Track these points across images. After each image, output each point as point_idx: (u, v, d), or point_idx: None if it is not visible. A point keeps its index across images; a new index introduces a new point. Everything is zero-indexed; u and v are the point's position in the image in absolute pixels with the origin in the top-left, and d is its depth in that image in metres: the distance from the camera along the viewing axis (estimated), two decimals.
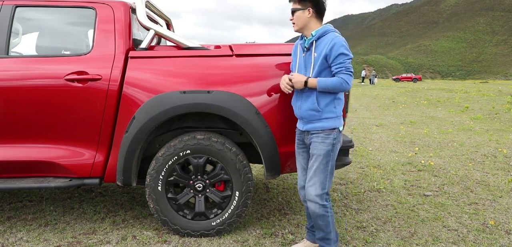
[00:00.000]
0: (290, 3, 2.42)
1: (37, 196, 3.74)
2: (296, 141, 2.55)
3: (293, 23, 2.41)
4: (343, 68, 2.25)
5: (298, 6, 2.36)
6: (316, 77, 2.33)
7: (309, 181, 2.37)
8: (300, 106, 2.42)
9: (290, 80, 2.41)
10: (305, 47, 2.41)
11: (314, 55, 2.35)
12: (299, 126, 2.48)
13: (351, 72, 2.28)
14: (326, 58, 2.29)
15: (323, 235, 2.43)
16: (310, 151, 2.41)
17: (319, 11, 2.38)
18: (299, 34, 2.49)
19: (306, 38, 2.41)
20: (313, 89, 2.33)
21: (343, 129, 2.43)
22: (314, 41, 2.35)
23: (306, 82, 2.33)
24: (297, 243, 2.78)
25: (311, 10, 2.34)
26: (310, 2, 2.34)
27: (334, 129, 2.35)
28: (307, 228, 2.69)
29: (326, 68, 2.32)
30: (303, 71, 2.41)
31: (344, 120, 2.45)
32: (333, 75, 2.30)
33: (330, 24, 2.40)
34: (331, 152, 2.35)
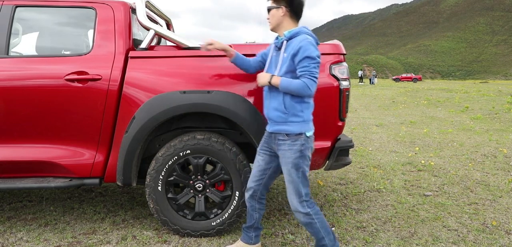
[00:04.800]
0: (267, 1, 2.38)
1: (37, 196, 3.75)
2: (262, 141, 2.48)
3: (268, 21, 2.37)
4: (307, 72, 2.17)
5: (273, 4, 2.32)
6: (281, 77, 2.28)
7: (287, 191, 2.34)
8: (268, 106, 2.36)
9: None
10: (277, 46, 2.37)
11: (283, 55, 2.30)
12: (267, 127, 2.40)
13: (315, 78, 2.19)
14: (293, 59, 2.22)
15: (316, 242, 2.39)
16: (279, 159, 2.35)
17: (294, 11, 2.32)
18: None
19: (279, 37, 2.38)
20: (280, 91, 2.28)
21: (311, 135, 2.30)
22: (285, 41, 2.31)
23: (270, 81, 2.28)
24: (231, 244, 2.73)
25: (284, 9, 2.30)
26: (284, 0, 2.29)
27: (300, 134, 2.25)
28: (243, 228, 2.62)
29: (293, 70, 2.25)
30: (272, 70, 2.37)
31: (313, 125, 2.33)
32: (297, 78, 2.23)
33: (306, 27, 2.34)
34: (300, 159, 2.25)
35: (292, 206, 2.33)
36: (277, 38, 2.41)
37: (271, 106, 2.32)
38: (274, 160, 2.43)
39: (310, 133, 2.29)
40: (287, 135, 2.26)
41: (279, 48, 2.35)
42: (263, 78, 2.33)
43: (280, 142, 2.29)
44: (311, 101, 2.32)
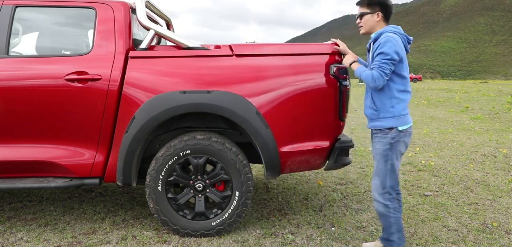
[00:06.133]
0: (357, 6, 2.48)
1: (37, 196, 3.74)
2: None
3: (361, 26, 2.46)
4: (377, 66, 2.28)
5: (367, 10, 2.42)
6: None
7: (372, 180, 2.47)
8: (364, 105, 2.52)
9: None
10: (367, 49, 2.51)
11: (371, 56, 2.43)
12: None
13: (383, 73, 2.27)
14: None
15: (386, 235, 2.48)
16: (372, 151, 2.50)
17: (387, 15, 2.43)
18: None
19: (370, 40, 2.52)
20: (370, 89, 2.42)
21: (406, 128, 2.39)
22: (372, 43, 2.43)
23: (351, 64, 2.53)
24: (368, 241, 2.82)
25: (380, 14, 2.40)
26: (379, 6, 2.39)
27: (392, 128, 2.36)
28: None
29: None
30: None
31: (407, 120, 2.42)
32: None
33: (393, 26, 2.42)
34: (389, 151, 2.37)
35: (373, 195, 2.45)
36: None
37: (366, 105, 2.49)
38: None
39: (403, 127, 2.38)
40: (379, 129, 2.41)
41: (368, 50, 2.49)
42: (346, 59, 2.59)
43: (374, 135, 2.46)
44: (402, 96, 2.38)
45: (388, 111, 2.36)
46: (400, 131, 2.37)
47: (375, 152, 2.43)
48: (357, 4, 2.48)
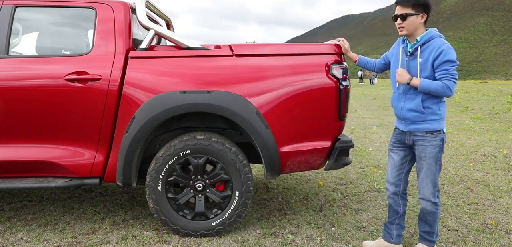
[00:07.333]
0: (397, 6, 2.42)
1: (37, 196, 3.74)
2: (392, 140, 2.63)
3: (402, 28, 2.40)
4: (448, 75, 2.29)
5: (412, 11, 2.37)
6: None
7: (421, 183, 2.48)
8: (402, 107, 2.49)
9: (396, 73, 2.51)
10: (409, 51, 2.45)
11: (419, 60, 2.39)
12: (400, 126, 2.55)
13: (456, 79, 2.31)
14: (433, 64, 2.33)
15: (429, 229, 2.54)
16: (416, 153, 2.48)
17: (428, 16, 2.43)
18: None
19: (409, 42, 2.46)
20: (417, 91, 2.39)
21: (445, 130, 2.48)
22: (419, 47, 2.39)
23: (409, 81, 2.40)
24: (368, 240, 2.82)
25: (424, 15, 2.39)
26: (423, 7, 2.37)
27: (439, 130, 2.40)
28: (385, 225, 2.73)
29: (432, 74, 2.36)
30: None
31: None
32: (436, 80, 2.34)
33: (435, 29, 2.42)
34: (439, 153, 2.42)
35: (424, 196, 2.48)
36: (404, 42, 2.50)
37: (406, 107, 2.46)
38: (409, 153, 2.57)
39: (445, 129, 2.46)
40: (426, 132, 2.41)
41: (412, 54, 2.43)
42: (403, 77, 2.43)
43: (418, 138, 2.45)
44: (445, 99, 2.46)
45: (436, 114, 2.40)
46: (444, 132, 2.44)
47: (425, 155, 2.42)
48: (399, 3, 2.40)
